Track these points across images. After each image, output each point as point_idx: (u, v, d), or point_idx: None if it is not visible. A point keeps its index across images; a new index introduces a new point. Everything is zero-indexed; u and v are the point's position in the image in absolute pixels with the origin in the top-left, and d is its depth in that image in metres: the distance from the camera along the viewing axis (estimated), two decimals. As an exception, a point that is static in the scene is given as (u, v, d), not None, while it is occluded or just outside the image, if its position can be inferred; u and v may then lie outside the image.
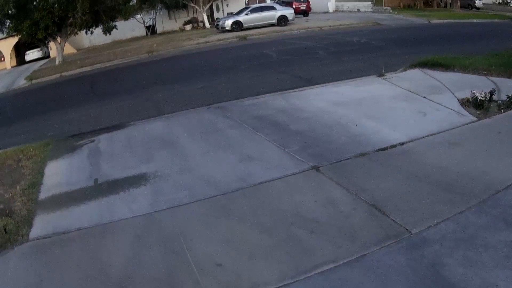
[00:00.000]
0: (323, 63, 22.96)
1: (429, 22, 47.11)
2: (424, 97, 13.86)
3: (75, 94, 24.73)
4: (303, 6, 61.20)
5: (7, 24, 39.08)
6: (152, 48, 39.96)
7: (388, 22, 45.61)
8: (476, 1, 75.56)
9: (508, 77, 15.63)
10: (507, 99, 12.43)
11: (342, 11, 69.82)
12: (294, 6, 56.51)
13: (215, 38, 41.01)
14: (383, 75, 16.90)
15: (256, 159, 10.34)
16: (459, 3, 71.01)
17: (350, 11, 67.99)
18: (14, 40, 49.89)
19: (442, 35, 33.64)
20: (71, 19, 38.37)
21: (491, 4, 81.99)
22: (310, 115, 13.25)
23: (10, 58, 57.07)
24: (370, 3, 70.64)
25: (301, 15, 58.02)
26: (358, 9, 68.57)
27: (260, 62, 25.16)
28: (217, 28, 47.79)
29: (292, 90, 16.13)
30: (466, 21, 47.36)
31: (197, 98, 17.26)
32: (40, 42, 43.87)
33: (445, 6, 71.39)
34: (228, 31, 44.57)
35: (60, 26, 39.29)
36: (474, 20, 48.55)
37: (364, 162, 9.63)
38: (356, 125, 11.95)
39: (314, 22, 47.48)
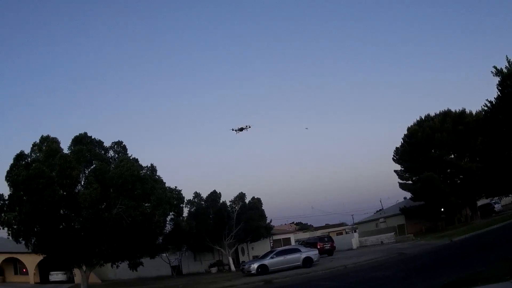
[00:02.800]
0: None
1: (451, 241, 46.14)
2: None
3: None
4: (327, 246, 60.15)
5: (33, 241, 39.14)
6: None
7: (411, 250, 44.24)
8: (495, 206, 74.35)
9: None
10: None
11: (366, 246, 68.76)
12: (318, 247, 55.42)
13: (241, 282, 39.51)
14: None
15: None
16: (479, 213, 69.80)
17: (374, 245, 67.12)
18: (39, 257, 48.13)
19: (464, 252, 33.12)
20: (97, 249, 37.84)
21: (510, 203, 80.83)
22: None
23: (34, 274, 56.10)
24: (392, 233, 70.03)
25: (326, 255, 56.24)
26: (382, 242, 67.60)
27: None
28: (243, 272, 46.36)
29: None
30: (487, 229, 47.21)
31: None
32: (65, 267, 42.81)
33: (466, 220, 69.89)
34: (253, 274, 42.77)
35: (86, 255, 38.76)
36: (495, 226, 47.74)
37: None
38: None
39: (338, 261, 45.86)
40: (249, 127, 56.53)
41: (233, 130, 58.36)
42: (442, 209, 68.07)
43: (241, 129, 55.51)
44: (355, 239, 71.60)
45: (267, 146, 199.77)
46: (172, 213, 45.82)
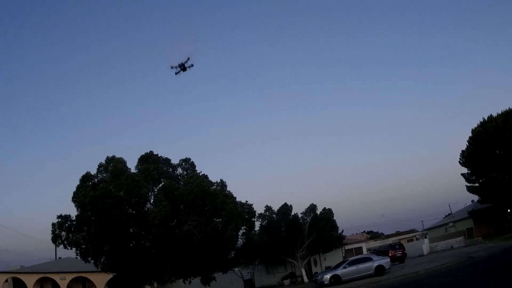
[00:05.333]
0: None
1: (519, 242, 43.67)
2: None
3: None
4: (398, 253, 56.66)
5: (102, 260, 37.96)
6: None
7: (480, 254, 41.60)
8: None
9: None
10: None
11: (436, 251, 65.24)
12: (390, 254, 52.40)
13: None
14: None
15: None
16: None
17: (443, 250, 63.63)
18: (108, 276, 47.07)
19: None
20: (168, 266, 36.04)
21: None
22: None
23: None
24: (461, 237, 66.53)
25: (397, 262, 52.77)
26: (451, 246, 64.05)
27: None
28: (316, 283, 43.66)
29: None
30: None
31: None
32: (136, 284, 41.64)
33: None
34: (326, 285, 40.21)
35: (157, 272, 37.11)
36: None
37: None
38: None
39: (410, 268, 42.76)
40: (189, 61, 40.39)
41: (173, 68, 43.28)
42: (509, 210, 63.75)
43: (183, 68, 40.16)
44: (425, 245, 67.30)
45: (336, 156, 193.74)
46: (244, 227, 42.89)
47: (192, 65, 37.50)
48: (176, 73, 40.96)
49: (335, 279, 40.29)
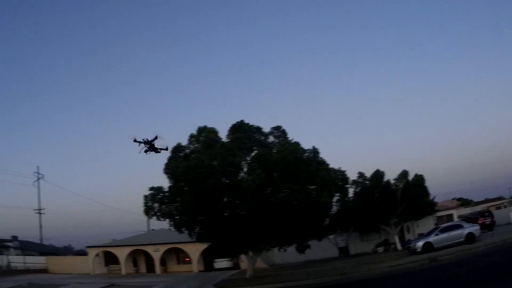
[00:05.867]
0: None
1: None
2: None
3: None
4: (487, 221, 55.83)
5: (196, 230, 38.00)
6: (346, 270, 36.52)
7: None
8: None
9: None
10: None
11: None
12: (479, 222, 51.34)
13: (407, 261, 36.64)
14: None
15: None
16: None
17: None
18: (202, 246, 47.06)
19: None
20: (264, 235, 35.87)
21: None
22: None
23: (198, 262, 56.14)
24: None
25: (486, 230, 51.62)
26: None
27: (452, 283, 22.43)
28: (409, 250, 43.42)
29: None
30: None
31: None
32: (231, 254, 43.06)
33: None
34: (419, 252, 39.83)
35: (253, 241, 36.92)
36: None
37: None
38: None
39: (498, 236, 42.30)
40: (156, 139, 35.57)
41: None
42: None
43: (155, 148, 34.65)
44: (513, 212, 64.07)
45: (426, 122, 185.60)
46: (338, 194, 41.72)
47: (162, 149, 34.07)
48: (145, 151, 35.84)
49: (428, 246, 40.08)
